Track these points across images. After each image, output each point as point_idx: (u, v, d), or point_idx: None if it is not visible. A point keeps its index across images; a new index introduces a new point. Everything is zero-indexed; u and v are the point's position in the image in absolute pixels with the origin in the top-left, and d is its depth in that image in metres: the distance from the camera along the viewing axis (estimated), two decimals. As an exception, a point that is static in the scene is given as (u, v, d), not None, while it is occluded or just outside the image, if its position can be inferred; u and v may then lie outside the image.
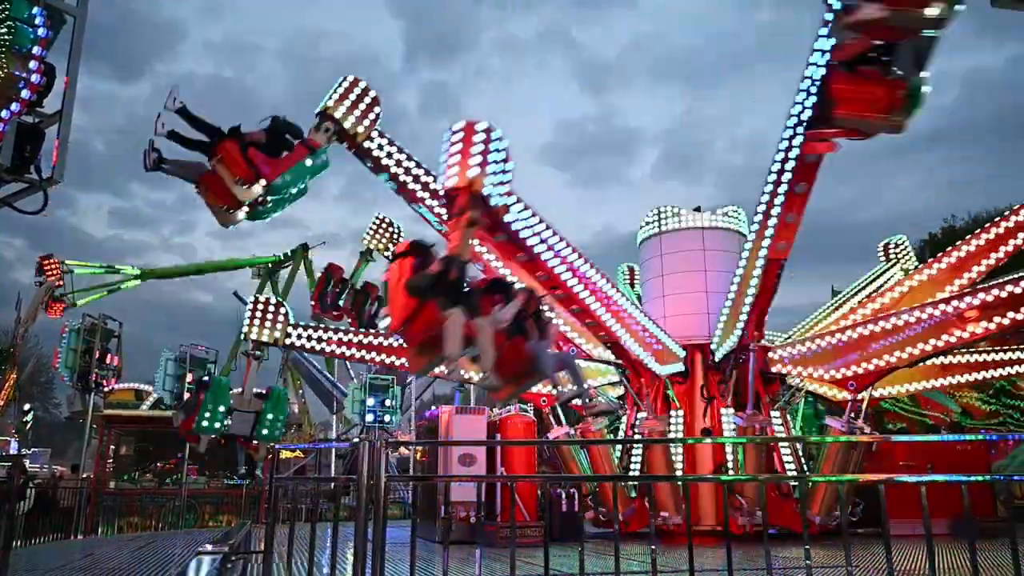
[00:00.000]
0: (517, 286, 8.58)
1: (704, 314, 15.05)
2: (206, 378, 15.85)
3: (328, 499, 13.19)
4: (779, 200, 11.28)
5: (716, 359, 14.38)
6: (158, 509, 20.28)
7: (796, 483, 13.01)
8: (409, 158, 11.79)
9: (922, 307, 12.10)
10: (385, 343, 15.26)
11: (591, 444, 14.19)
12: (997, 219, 15.05)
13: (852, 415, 12.84)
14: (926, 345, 11.88)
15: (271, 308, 14.30)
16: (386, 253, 19.86)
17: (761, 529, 11.79)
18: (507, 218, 10.33)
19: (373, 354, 15.32)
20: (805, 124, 9.57)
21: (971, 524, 4.01)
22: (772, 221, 11.64)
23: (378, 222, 20.54)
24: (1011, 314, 11.07)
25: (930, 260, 15.51)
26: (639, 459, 14.83)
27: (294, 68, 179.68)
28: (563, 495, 13.60)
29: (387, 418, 23.79)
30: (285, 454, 26.36)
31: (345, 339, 15.23)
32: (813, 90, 8.96)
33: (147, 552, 11.72)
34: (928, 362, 14.35)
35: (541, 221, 11.17)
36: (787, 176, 10.89)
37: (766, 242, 11.92)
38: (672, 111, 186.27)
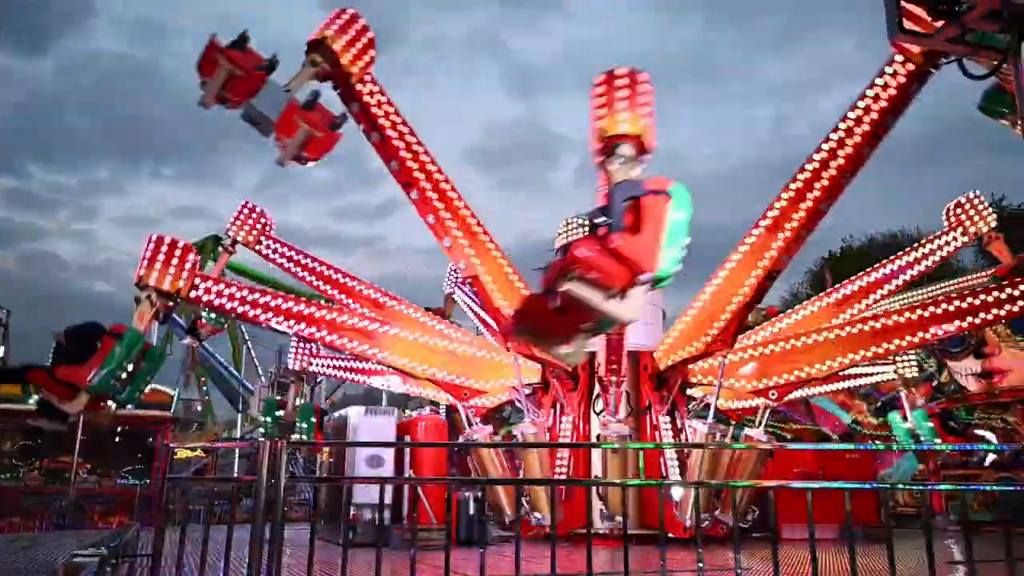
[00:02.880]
0: None
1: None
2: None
3: (229, 501, 12.63)
4: (799, 215, 11.47)
5: (662, 367, 14.55)
6: (43, 509, 19.13)
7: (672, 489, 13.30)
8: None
9: (839, 326, 13.08)
10: (310, 312, 13.27)
11: (506, 447, 14.18)
12: (900, 253, 16.52)
13: (713, 421, 13.39)
14: (843, 358, 12.82)
15: (177, 251, 11.93)
16: (257, 247, 16.51)
17: (655, 533, 12.05)
18: (362, 88, 11.31)
19: (299, 324, 13.18)
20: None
21: (851, 529, 4.22)
22: (786, 234, 11.71)
23: (248, 211, 16.50)
24: (909, 337, 12.36)
25: (836, 286, 16.69)
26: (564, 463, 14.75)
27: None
28: (470, 498, 13.55)
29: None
30: (184, 453, 25.33)
31: (263, 301, 13.00)
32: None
33: (26, 555, 11.03)
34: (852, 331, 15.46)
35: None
36: (816, 194, 11.20)
37: (771, 253, 11.95)
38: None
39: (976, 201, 16.62)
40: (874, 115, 10.74)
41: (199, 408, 32.43)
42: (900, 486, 17.41)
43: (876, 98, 10.72)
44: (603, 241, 6.07)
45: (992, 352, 19.39)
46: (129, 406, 12.57)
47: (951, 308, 12.21)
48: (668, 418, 14.28)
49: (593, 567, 4.63)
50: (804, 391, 16.06)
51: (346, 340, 13.27)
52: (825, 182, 11.28)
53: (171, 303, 12.01)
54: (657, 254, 6.15)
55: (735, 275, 12.74)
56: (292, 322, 13.08)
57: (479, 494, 13.66)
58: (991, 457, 18.32)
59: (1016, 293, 11.90)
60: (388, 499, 13.06)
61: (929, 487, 14.52)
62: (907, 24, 4.44)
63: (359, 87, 11.39)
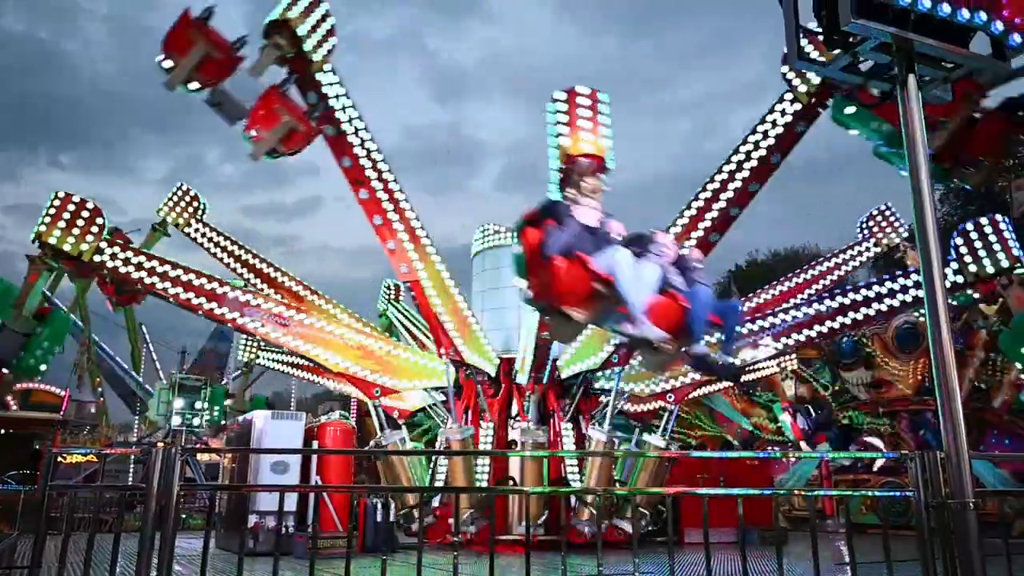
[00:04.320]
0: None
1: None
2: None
3: (120, 508, 12.04)
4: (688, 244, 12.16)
5: (562, 376, 14.71)
6: (-92, 518, 17.65)
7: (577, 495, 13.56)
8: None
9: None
10: (223, 291, 12.86)
11: (407, 454, 14.05)
12: (812, 262, 17.24)
13: (610, 428, 13.84)
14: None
15: (85, 211, 11.43)
16: (187, 229, 17.25)
17: (558, 539, 12.22)
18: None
19: (211, 304, 12.77)
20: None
21: (744, 533, 4.37)
22: None
23: (180, 193, 17.50)
24: (795, 336, 12.87)
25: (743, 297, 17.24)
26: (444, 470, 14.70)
27: (122, 37, 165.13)
28: (378, 505, 13.36)
29: (196, 421, 22.27)
30: (75, 458, 23.96)
31: (175, 274, 12.46)
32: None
33: None
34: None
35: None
36: (707, 224, 11.89)
37: None
38: (518, 127, 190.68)
39: (888, 213, 17.28)
40: (763, 151, 11.44)
41: (92, 411, 30.75)
42: (795, 491, 18.20)
43: (765, 135, 11.42)
44: None
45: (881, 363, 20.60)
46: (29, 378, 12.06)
47: (835, 304, 12.95)
48: (570, 425, 14.50)
49: (497, 574, 4.63)
50: (703, 390, 16.56)
51: (259, 324, 12.86)
52: (715, 214, 11.91)
53: (73, 265, 11.40)
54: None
55: None
56: (203, 300, 12.56)
57: (387, 501, 13.51)
58: (879, 462, 19.43)
59: (894, 287, 12.78)
60: (292, 506, 12.73)
61: (818, 493, 15.29)
62: (806, 52, 4.67)
63: (319, 76, 10.90)
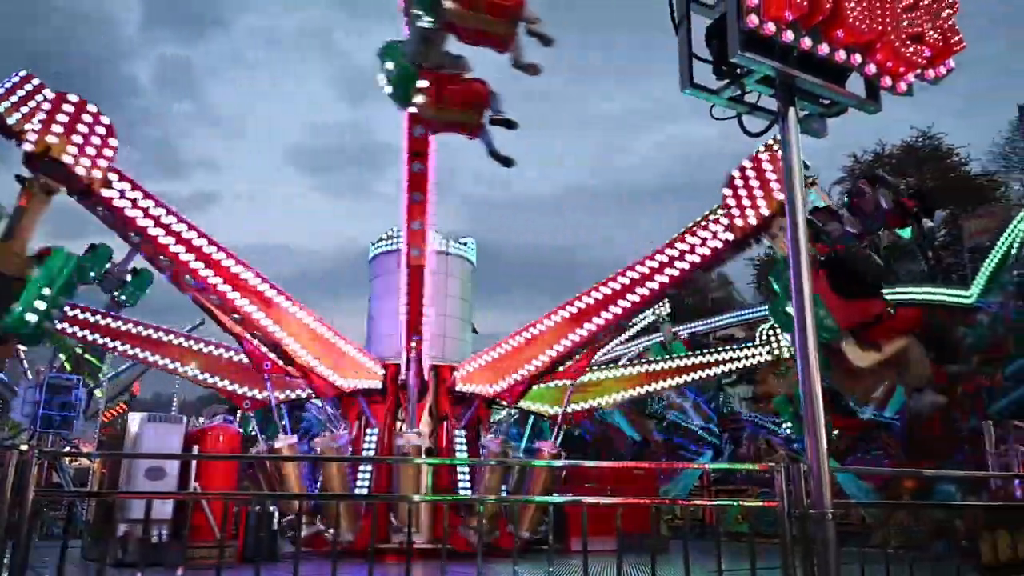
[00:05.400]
0: None
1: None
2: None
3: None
4: (600, 319, 12.82)
5: (458, 388, 14.58)
6: None
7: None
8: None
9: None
10: (221, 260, 11.84)
11: (292, 460, 13.54)
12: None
13: (502, 437, 14.05)
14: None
15: (100, 126, 9.61)
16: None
17: (448, 547, 12.13)
18: (106, 193, 9.99)
19: (201, 265, 11.62)
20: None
21: (622, 541, 4.50)
22: (591, 327, 13.02)
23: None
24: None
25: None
26: (368, 477, 14.20)
27: (5, 21, 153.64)
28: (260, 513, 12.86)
29: (66, 424, 20.80)
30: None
31: (177, 229, 11.21)
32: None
33: None
34: (631, 372, 16.77)
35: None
36: (617, 311, 12.67)
37: (574, 337, 13.17)
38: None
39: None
40: (684, 266, 12.11)
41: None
42: (675, 500, 18.87)
43: (691, 250, 12.04)
44: None
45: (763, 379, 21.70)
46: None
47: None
48: (463, 432, 14.46)
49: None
50: (610, 398, 16.77)
51: (246, 302, 12.16)
52: (628, 303, 12.71)
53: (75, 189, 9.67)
54: None
55: (542, 339, 13.59)
56: (201, 265, 11.36)
57: (270, 509, 13.04)
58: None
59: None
60: (168, 514, 12.10)
61: (695, 503, 15.89)
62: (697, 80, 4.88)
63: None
